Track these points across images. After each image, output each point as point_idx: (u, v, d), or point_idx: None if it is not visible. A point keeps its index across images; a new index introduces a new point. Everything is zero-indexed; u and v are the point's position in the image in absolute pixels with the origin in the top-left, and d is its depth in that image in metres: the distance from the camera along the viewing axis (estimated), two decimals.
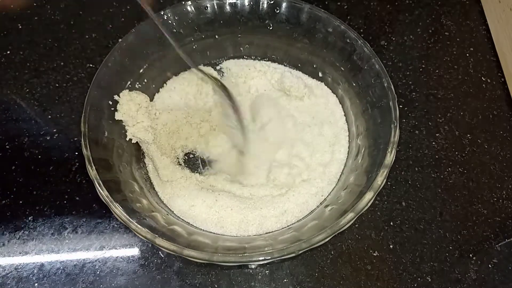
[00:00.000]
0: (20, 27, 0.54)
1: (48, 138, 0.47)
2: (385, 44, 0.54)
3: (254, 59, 0.49)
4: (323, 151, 0.43)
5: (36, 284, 0.40)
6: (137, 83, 0.43)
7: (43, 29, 0.54)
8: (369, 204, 0.33)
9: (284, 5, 0.43)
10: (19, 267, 0.40)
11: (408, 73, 0.52)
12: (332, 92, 0.47)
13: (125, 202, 0.34)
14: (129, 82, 0.42)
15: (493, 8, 0.54)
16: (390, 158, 0.35)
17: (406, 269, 0.41)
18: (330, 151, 0.43)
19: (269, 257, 0.31)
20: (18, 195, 0.44)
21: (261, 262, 0.39)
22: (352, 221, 0.33)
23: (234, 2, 0.43)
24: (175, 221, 0.38)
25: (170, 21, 0.42)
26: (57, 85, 0.50)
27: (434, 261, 0.41)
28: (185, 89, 0.47)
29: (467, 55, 0.54)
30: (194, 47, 0.46)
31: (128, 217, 0.33)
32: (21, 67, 0.51)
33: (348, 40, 0.41)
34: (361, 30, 0.54)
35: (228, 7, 0.44)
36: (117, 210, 0.33)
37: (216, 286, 0.39)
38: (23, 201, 0.43)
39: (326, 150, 0.43)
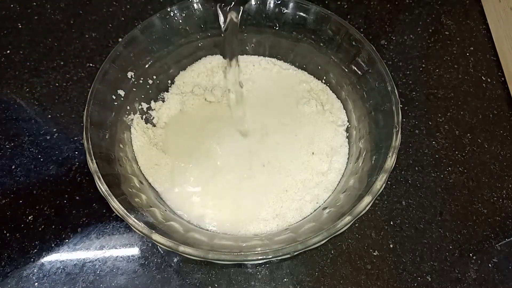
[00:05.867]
0: (20, 26, 0.54)
1: (48, 137, 0.47)
2: (385, 43, 0.54)
3: (259, 57, 0.49)
4: (320, 161, 0.43)
5: (36, 284, 0.40)
6: (141, 78, 0.43)
7: (43, 28, 0.54)
8: (367, 208, 0.33)
9: (291, 5, 0.42)
10: (19, 266, 0.40)
11: (408, 72, 0.52)
12: (336, 95, 0.46)
13: (124, 196, 0.34)
14: (133, 77, 0.42)
15: (493, 7, 0.54)
16: (390, 162, 0.35)
17: (406, 269, 0.41)
18: (329, 161, 0.43)
19: (265, 257, 0.31)
20: (18, 195, 0.44)
21: (256, 262, 0.39)
22: (349, 225, 0.33)
23: None
24: (173, 217, 0.38)
25: (176, 18, 0.42)
26: (57, 84, 0.50)
27: (434, 260, 0.41)
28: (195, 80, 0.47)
29: (467, 54, 0.53)
30: (200, 44, 0.46)
31: (126, 211, 0.32)
32: (21, 66, 0.51)
33: (353, 43, 0.41)
34: (361, 30, 0.54)
35: None
36: (116, 204, 0.33)
37: (216, 285, 0.39)
38: (23, 201, 0.43)
39: (324, 160, 0.43)
